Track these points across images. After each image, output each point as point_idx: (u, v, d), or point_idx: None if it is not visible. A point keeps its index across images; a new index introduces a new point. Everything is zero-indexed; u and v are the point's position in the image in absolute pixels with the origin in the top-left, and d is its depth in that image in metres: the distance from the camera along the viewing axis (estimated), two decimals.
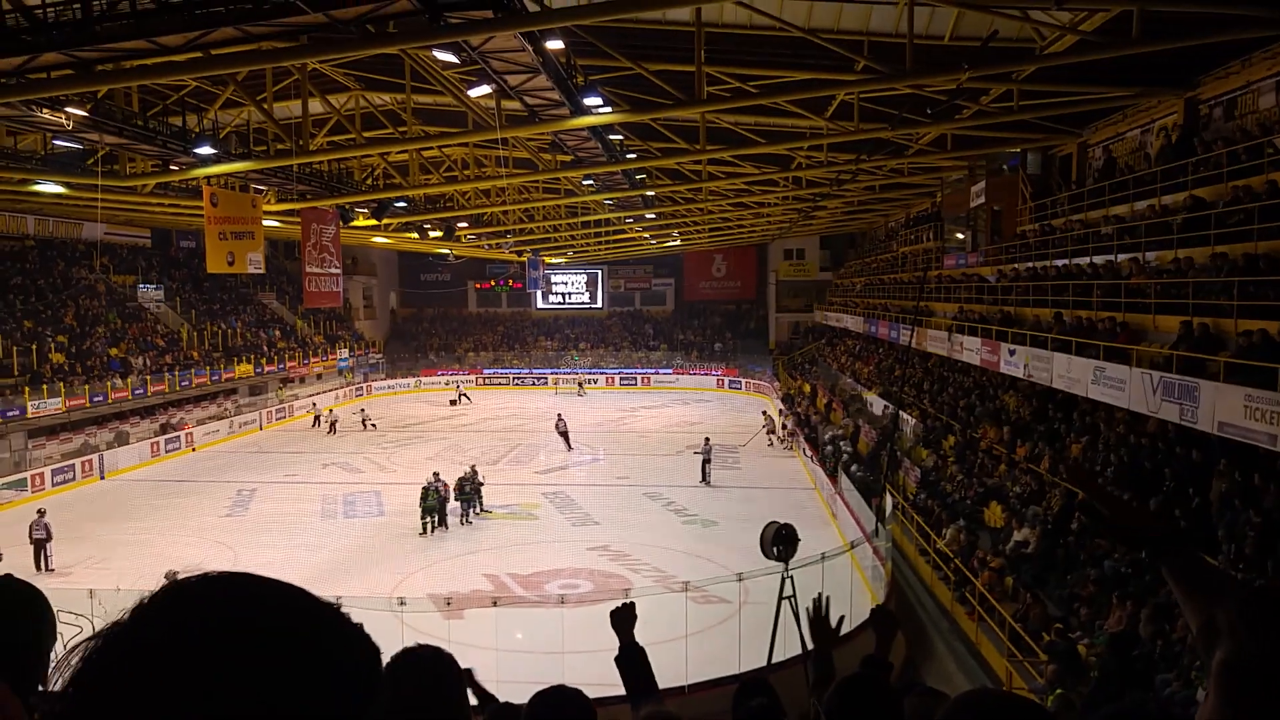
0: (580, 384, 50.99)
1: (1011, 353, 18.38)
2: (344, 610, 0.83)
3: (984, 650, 13.60)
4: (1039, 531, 15.17)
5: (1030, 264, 21.33)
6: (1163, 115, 18.50)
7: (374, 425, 38.47)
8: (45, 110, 14.44)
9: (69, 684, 0.73)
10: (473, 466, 23.96)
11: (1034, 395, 19.77)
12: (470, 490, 22.97)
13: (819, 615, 3.79)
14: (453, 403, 45.38)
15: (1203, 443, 12.64)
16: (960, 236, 29.72)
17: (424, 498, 21.96)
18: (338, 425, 38.07)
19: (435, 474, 22.86)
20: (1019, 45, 15.26)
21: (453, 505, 22.69)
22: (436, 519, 22.01)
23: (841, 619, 3.91)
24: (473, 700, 4.18)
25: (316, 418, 40.13)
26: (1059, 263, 19.47)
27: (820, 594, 4.10)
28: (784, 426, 34.44)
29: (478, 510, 23.23)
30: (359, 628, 0.82)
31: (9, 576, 1.61)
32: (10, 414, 27.45)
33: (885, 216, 44.37)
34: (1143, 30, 12.51)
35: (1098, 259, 17.65)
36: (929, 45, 15.22)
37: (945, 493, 19.70)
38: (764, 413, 36.10)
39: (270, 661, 0.73)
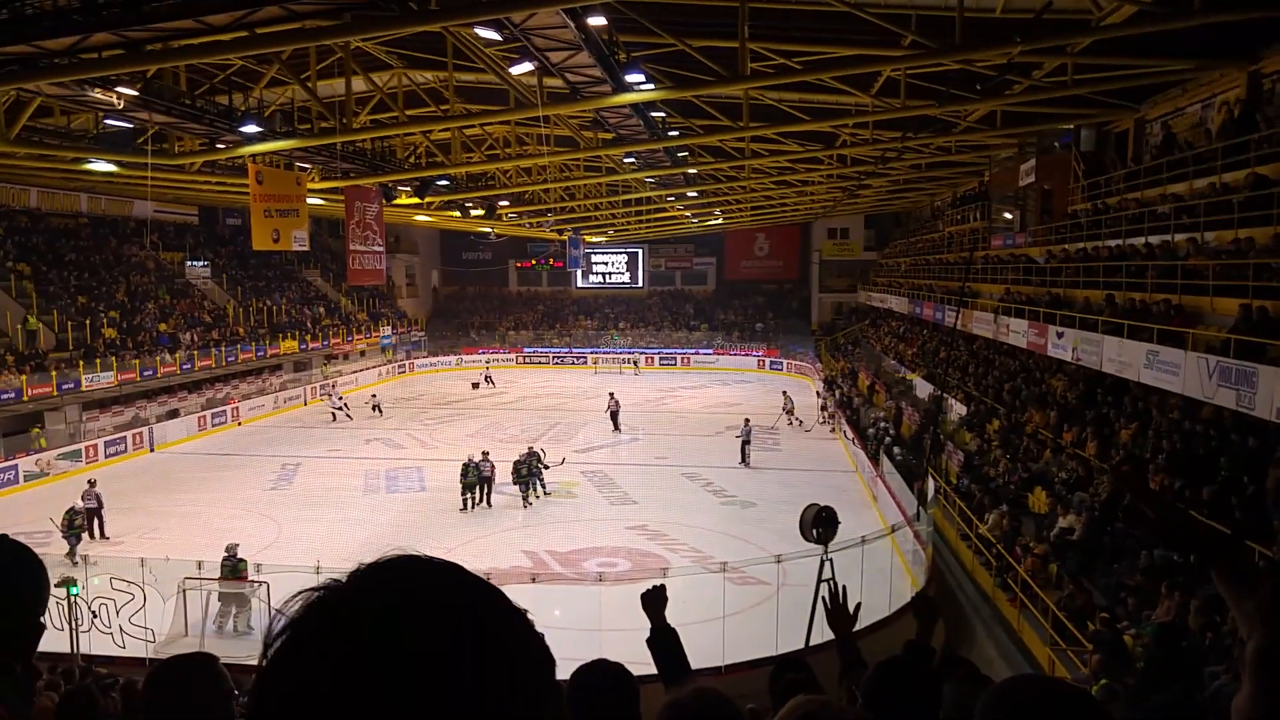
0: (635, 362, 50.99)
1: (1060, 335, 18.00)
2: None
3: (1026, 638, 13.40)
4: (1085, 518, 14.88)
5: (1081, 244, 20.84)
6: (1224, 89, 17.88)
7: (380, 411, 36.91)
8: (97, 90, 14.68)
9: (276, 638, 0.71)
10: (530, 448, 23.40)
11: (1082, 379, 19.37)
12: (528, 473, 22.49)
13: (836, 603, 3.76)
14: (475, 385, 43.78)
15: (1260, 430, 12.28)
16: (1008, 216, 29.14)
17: (464, 474, 21.96)
18: (381, 407, 37.38)
19: (485, 453, 22.59)
20: (1074, 17, 14.80)
21: (511, 487, 22.58)
22: (477, 495, 21.99)
23: (859, 606, 3.89)
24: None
25: (336, 411, 36.15)
26: (1112, 243, 18.99)
27: (835, 581, 4.08)
28: (824, 408, 34.08)
29: (539, 493, 22.77)
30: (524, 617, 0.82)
31: (2, 535, 1.58)
32: (66, 387, 28.15)
33: (931, 195, 43.67)
34: (1205, 0, 12.08)
35: (1153, 239, 17.19)
36: (980, 18, 14.86)
37: (988, 477, 19.42)
38: (784, 393, 35.36)
39: (487, 651, 0.71)
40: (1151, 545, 12.83)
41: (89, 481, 20.69)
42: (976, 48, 14.27)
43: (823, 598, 4.03)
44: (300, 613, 0.73)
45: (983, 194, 32.19)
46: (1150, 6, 13.00)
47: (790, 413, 33.48)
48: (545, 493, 22.79)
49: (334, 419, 34.92)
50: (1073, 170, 24.04)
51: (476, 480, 21.94)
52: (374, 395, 38.81)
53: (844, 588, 3.93)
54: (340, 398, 36.48)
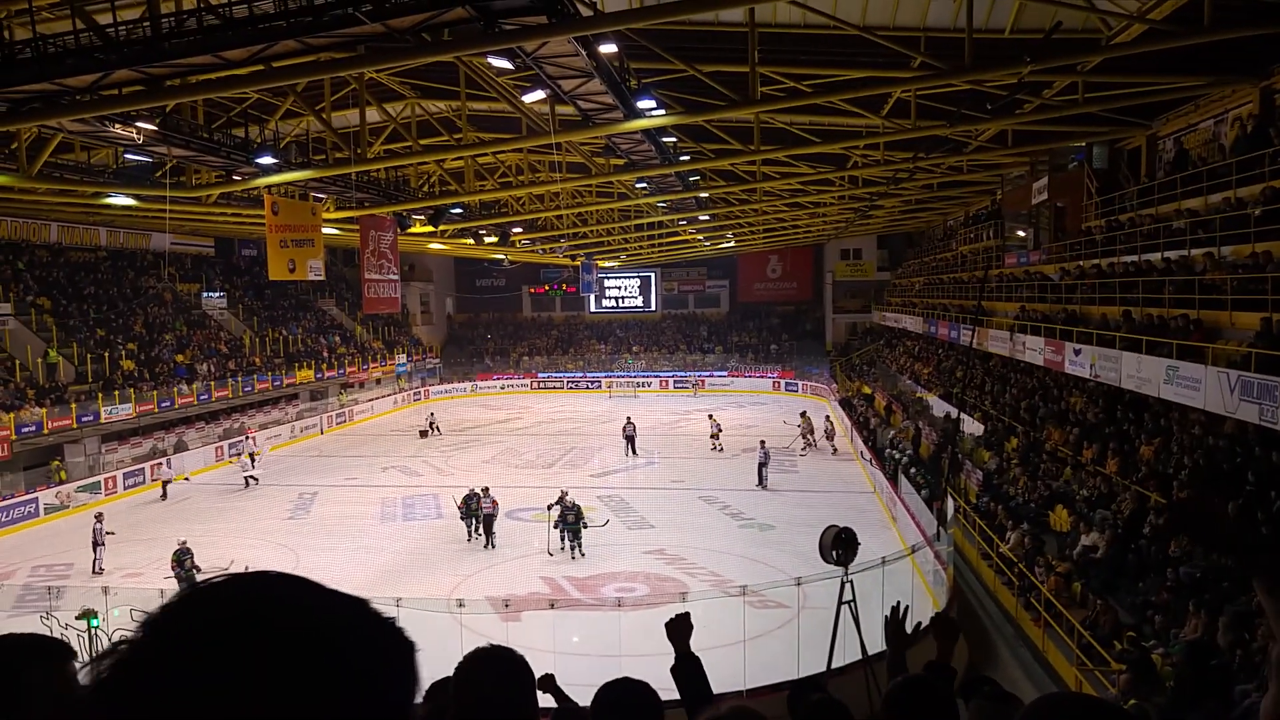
0: (695, 384, 51.30)
1: (1077, 352, 17.90)
2: (375, 606, 0.81)
3: (1051, 657, 13.24)
4: (1108, 536, 14.73)
5: (1096, 261, 20.76)
6: (1237, 105, 17.86)
7: (438, 431, 38.44)
8: (117, 125, 14.89)
9: (93, 682, 0.72)
10: (570, 499, 20.89)
11: (1102, 396, 19.24)
12: (575, 520, 20.45)
13: (896, 619, 3.77)
14: (423, 434, 38.43)
15: None
16: (1022, 234, 29.08)
17: (465, 506, 21.61)
18: (438, 426, 38.20)
19: (485, 489, 21.61)
20: (1084, 36, 14.85)
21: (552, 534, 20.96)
22: (477, 530, 21.38)
23: (918, 625, 3.91)
24: (551, 703, 4.18)
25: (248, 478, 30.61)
26: (1128, 259, 18.92)
27: (900, 601, 4.09)
28: (826, 433, 33.60)
29: (579, 551, 20.48)
30: (389, 623, 0.81)
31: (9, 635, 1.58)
32: (85, 419, 28.36)
33: (944, 215, 43.65)
34: (1215, 17, 12.10)
35: (1170, 254, 17.11)
36: (989, 39, 14.90)
37: (1008, 496, 19.27)
38: (803, 414, 35.04)
39: (294, 662, 0.71)
40: (1181, 557, 12.68)
41: (96, 516, 20.86)
42: (986, 68, 14.31)
43: (884, 615, 4.05)
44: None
45: (995, 212, 32.15)
46: (1160, 24, 13.03)
47: (810, 433, 33.35)
48: (581, 553, 20.40)
49: (246, 486, 29.10)
50: (1086, 187, 24.00)
51: (478, 512, 21.40)
52: (431, 414, 39.73)
53: (907, 607, 3.95)
54: (251, 459, 30.76)
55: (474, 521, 21.46)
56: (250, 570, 0.81)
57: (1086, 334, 17.56)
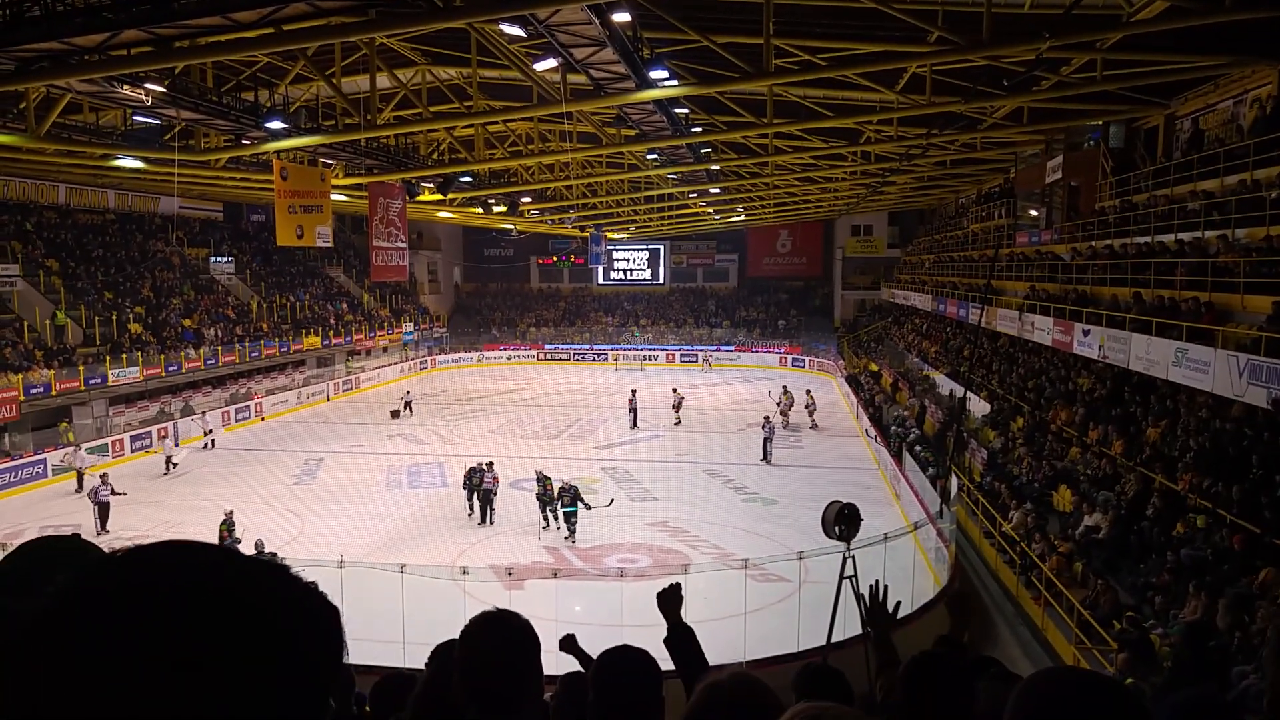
0: (706, 360, 50.94)
1: (1086, 333, 17.82)
2: (294, 570, 0.82)
3: (1050, 636, 13.30)
4: (1111, 516, 14.74)
5: (1109, 241, 20.62)
6: (1256, 85, 17.63)
7: (411, 412, 35.84)
8: (126, 86, 14.80)
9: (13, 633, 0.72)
10: (570, 484, 19.96)
11: (1109, 377, 19.17)
12: (573, 501, 19.53)
13: (876, 601, 3.76)
14: (394, 414, 35.54)
15: None
16: (1034, 213, 28.90)
17: (467, 479, 21.17)
18: (412, 406, 36.22)
19: (489, 464, 21.10)
20: (1104, 12, 14.64)
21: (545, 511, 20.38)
22: (476, 504, 20.80)
23: (899, 604, 3.89)
24: (570, 665, 4.21)
25: (399, 408, 35.47)
26: (1140, 240, 18.78)
27: (878, 580, 4.07)
28: (807, 408, 33.09)
29: (569, 531, 19.49)
30: (311, 587, 0.81)
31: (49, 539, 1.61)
32: (93, 382, 28.49)
33: (956, 192, 43.36)
34: None
35: (1183, 236, 16.97)
36: (1008, 14, 14.71)
37: (1012, 475, 19.27)
38: (784, 388, 34.44)
39: (217, 627, 0.72)
40: (1183, 538, 12.68)
41: (100, 477, 21.00)
42: (1004, 44, 14.11)
43: (861, 595, 4.06)
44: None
45: (1008, 191, 31.92)
46: (1182, 2, 12.83)
47: (786, 411, 32.73)
48: (571, 537, 19.35)
49: (167, 469, 26.44)
50: (1101, 167, 23.79)
51: (478, 488, 20.87)
52: (408, 391, 37.80)
53: (886, 586, 3.93)
54: (174, 445, 27.71)
55: (474, 495, 21.01)
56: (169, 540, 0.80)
57: (1096, 315, 17.48)
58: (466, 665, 2.02)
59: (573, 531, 19.36)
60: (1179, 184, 18.84)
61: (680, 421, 33.04)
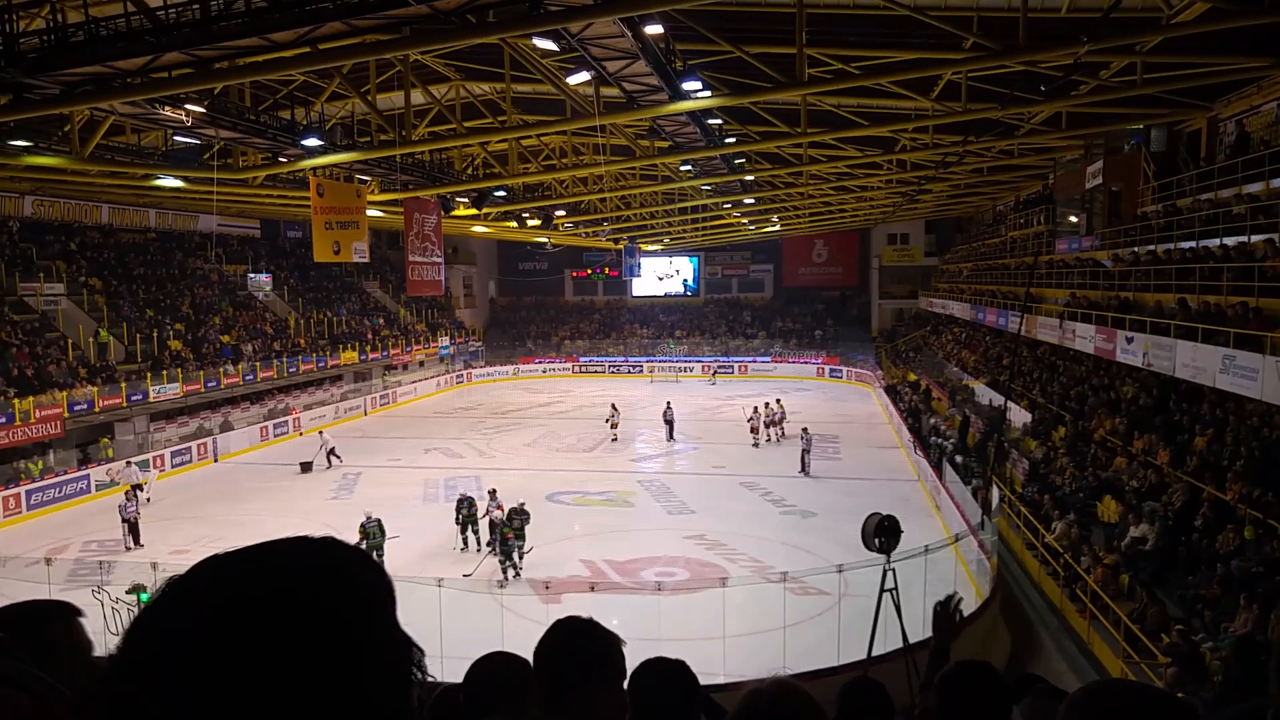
0: (714, 371, 50.67)
1: (1129, 340, 17.48)
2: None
3: (1096, 650, 13.00)
4: (1158, 528, 14.40)
5: (1152, 247, 20.25)
6: None
7: (338, 458, 29.15)
8: (167, 108, 15.12)
9: (109, 663, 0.79)
10: (521, 503, 18.33)
11: (1155, 385, 18.79)
12: (520, 529, 17.78)
13: (947, 609, 3.70)
14: (305, 467, 28.26)
15: None
16: (1074, 220, 28.48)
17: (457, 510, 19.79)
18: (336, 454, 29.24)
19: (492, 491, 19.59)
20: (1144, 15, 14.42)
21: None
22: (471, 536, 19.43)
23: (964, 618, 3.86)
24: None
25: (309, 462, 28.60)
26: (1185, 245, 18.41)
27: (956, 592, 4.02)
28: (768, 420, 31.60)
29: (514, 568, 17.58)
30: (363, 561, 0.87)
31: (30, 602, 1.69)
32: (134, 398, 28.99)
33: (993, 200, 42.90)
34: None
35: (1229, 240, 16.61)
36: (1044, 18, 14.56)
37: (1055, 486, 18.92)
38: (768, 404, 32.56)
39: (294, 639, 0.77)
40: (1233, 550, 12.36)
41: (125, 494, 21.34)
42: (1041, 49, 13.94)
43: (926, 604, 4.04)
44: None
45: (1047, 197, 31.51)
46: (1223, 3, 12.59)
47: (768, 425, 31.39)
48: (517, 572, 17.47)
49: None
50: (1143, 171, 23.38)
51: (471, 519, 19.53)
52: (326, 439, 29.47)
53: (960, 598, 3.88)
54: (134, 495, 21.52)
55: (467, 527, 19.47)
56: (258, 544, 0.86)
57: (1140, 322, 17.15)
58: (545, 669, 2.04)
59: (511, 567, 17.48)
60: (1224, 187, 18.47)
61: (760, 442, 30.92)
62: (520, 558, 17.66)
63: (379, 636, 0.83)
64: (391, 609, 0.86)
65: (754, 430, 30.96)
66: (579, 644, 2.06)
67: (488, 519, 18.67)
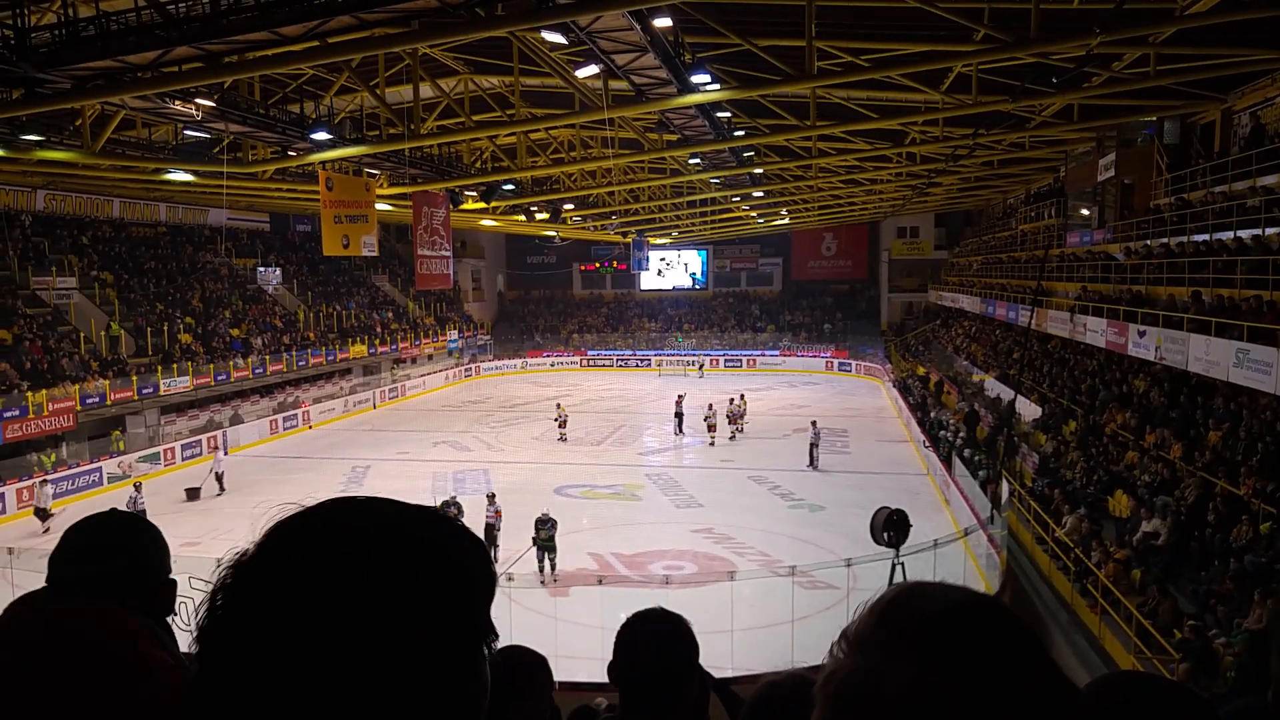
0: (700, 365, 50.72)
1: (1141, 334, 17.39)
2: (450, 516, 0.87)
3: (1108, 645, 12.95)
4: (1170, 522, 14.33)
5: (1165, 240, 20.12)
6: None
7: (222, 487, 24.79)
8: (177, 102, 15.16)
9: (200, 624, 0.77)
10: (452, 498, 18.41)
11: (1167, 379, 18.69)
12: (540, 537, 17.19)
13: None
14: (191, 494, 24.20)
15: None
16: (1085, 212, 28.31)
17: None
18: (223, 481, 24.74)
19: (491, 495, 19.02)
20: (1157, 6, 14.30)
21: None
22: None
23: None
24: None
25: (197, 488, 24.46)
26: (1198, 238, 18.29)
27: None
28: (707, 420, 30.47)
29: (548, 574, 17.05)
30: (461, 535, 0.85)
31: (114, 510, 1.68)
32: (145, 392, 29.12)
33: (1004, 193, 42.70)
34: None
35: (1243, 233, 16.49)
36: (1056, 9, 14.43)
37: (1065, 480, 18.85)
38: (732, 399, 32.24)
39: (379, 595, 0.75)
40: (1246, 545, 12.29)
41: (135, 487, 21.45)
42: (1053, 40, 13.84)
43: None
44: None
45: (1058, 190, 31.33)
46: None
47: (720, 424, 30.53)
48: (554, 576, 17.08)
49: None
50: (1155, 164, 23.22)
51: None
52: (215, 462, 25.31)
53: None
54: (44, 509, 21.47)
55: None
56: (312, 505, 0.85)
57: (1152, 315, 17.05)
58: (622, 664, 1.99)
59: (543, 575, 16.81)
60: (1238, 180, 18.31)
61: (737, 434, 31.29)
62: (553, 569, 16.91)
63: (479, 622, 0.81)
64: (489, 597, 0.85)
65: (711, 429, 30.20)
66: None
67: (485, 524, 17.91)
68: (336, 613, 0.73)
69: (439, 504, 17.12)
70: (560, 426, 31.40)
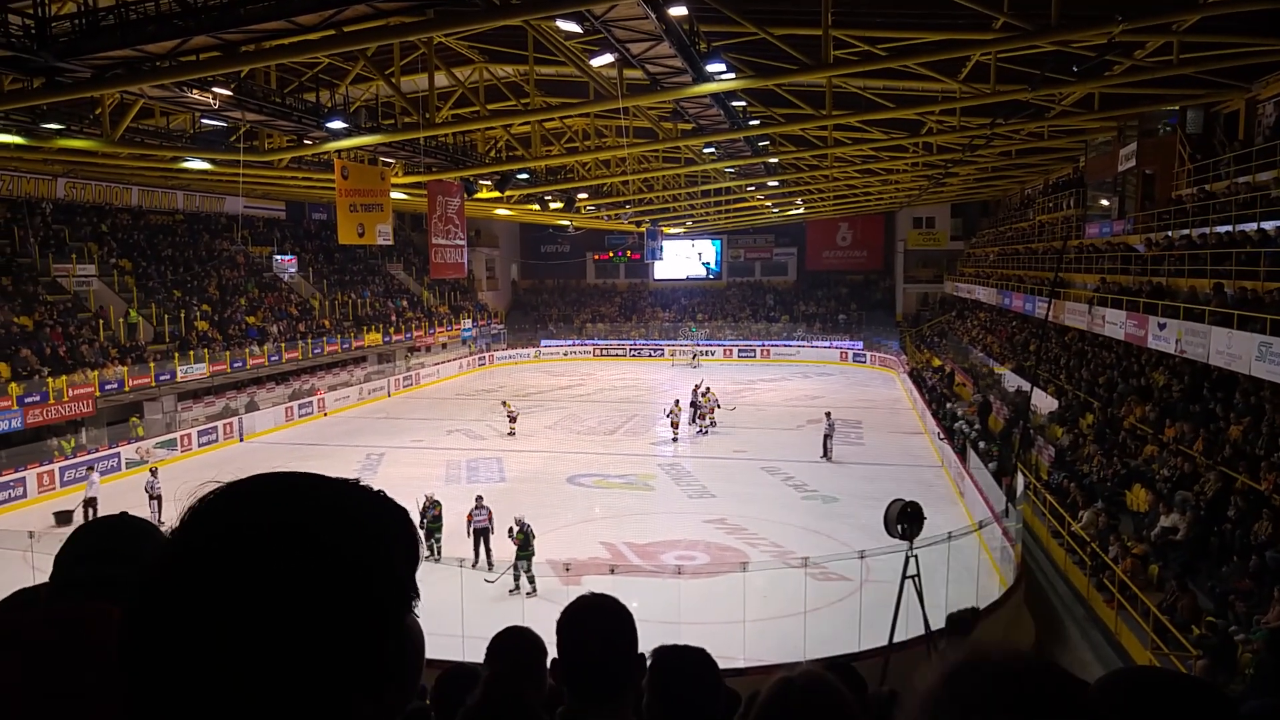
0: (695, 355, 50.65)
1: (1161, 326, 17.22)
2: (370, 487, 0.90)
3: (1124, 640, 12.88)
4: (1190, 517, 14.21)
5: (1186, 231, 19.90)
6: None
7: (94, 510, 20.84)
8: (195, 90, 15.21)
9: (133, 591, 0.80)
10: (429, 496, 17.87)
11: (1187, 373, 18.51)
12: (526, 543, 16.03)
13: (964, 617, 3.65)
14: (61, 518, 21.25)
15: None
16: (1105, 203, 28.05)
17: (421, 516, 17.42)
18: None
19: (479, 497, 17.85)
20: None
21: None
22: (430, 543, 17.13)
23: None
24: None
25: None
26: (1221, 229, 18.08)
27: (976, 608, 3.97)
28: (668, 413, 29.74)
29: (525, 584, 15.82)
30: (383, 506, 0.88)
31: (124, 514, 1.64)
32: (163, 378, 29.34)
33: (1022, 183, 42.36)
34: None
35: (1267, 225, 16.29)
36: None
37: (1082, 473, 18.72)
38: (702, 391, 31.68)
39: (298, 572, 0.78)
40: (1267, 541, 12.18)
41: (151, 471, 21.55)
42: (1074, 28, 13.68)
43: (948, 591, 3.98)
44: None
45: (1078, 180, 31.05)
46: None
47: (684, 421, 29.82)
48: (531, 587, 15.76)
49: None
50: (1178, 154, 22.94)
51: (436, 528, 17.50)
52: (152, 471, 22.27)
53: (979, 611, 3.84)
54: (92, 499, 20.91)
55: (435, 541, 17.22)
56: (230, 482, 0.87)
57: (1173, 307, 16.88)
58: (566, 650, 2.03)
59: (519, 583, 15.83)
60: (1262, 170, 18.08)
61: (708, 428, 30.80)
62: (530, 580, 15.71)
63: (397, 590, 0.84)
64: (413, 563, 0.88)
65: (674, 425, 29.41)
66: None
67: (473, 527, 17.12)
68: (253, 579, 0.76)
69: (420, 503, 17.44)
70: (510, 422, 30.64)
